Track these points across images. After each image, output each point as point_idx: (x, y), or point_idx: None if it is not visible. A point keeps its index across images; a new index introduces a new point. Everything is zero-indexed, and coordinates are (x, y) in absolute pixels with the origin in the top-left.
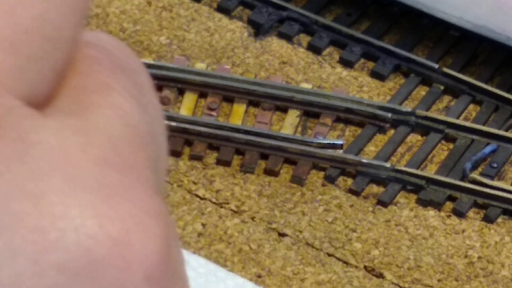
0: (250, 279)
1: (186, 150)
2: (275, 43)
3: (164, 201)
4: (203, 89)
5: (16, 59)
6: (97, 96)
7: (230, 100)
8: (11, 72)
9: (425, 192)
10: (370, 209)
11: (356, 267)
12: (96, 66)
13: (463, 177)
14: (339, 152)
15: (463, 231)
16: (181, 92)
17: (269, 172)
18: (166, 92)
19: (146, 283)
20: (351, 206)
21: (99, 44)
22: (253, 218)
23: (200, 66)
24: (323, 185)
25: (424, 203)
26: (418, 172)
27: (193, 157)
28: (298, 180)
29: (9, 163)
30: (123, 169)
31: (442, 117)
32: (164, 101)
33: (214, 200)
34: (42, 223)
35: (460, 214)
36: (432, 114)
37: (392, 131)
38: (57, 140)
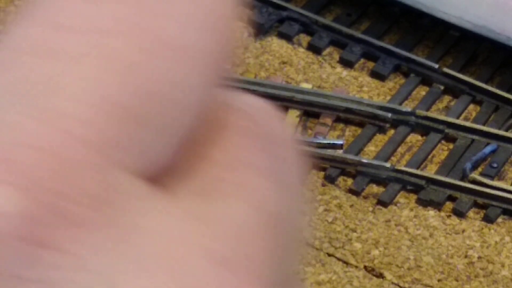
0: None
1: None
2: (275, 43)
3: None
4: None
5: (129, 128)
6: (232, 175)
7: None
8: (122, 143)
9: (425, 192)
10: (370, 209)
11: (356, 267)
12: (236, 138)
13: (463, 177)
14: (339, 152)
15: (463, 231)
16: None
17: None
18: None
19: None
20: (351, 206)
21: (244, 109)
22: None
23: None
24: (323, 185)
25: (424, 203)
26: (418, 172)
27: None
28: None
29: (100, 252)
30: (234, 267)
31: (442, 117)
32: None
33: None
34: None
35: (460, 214)
36: (432, 114)
37: (392, 131)
38: (169, 227)
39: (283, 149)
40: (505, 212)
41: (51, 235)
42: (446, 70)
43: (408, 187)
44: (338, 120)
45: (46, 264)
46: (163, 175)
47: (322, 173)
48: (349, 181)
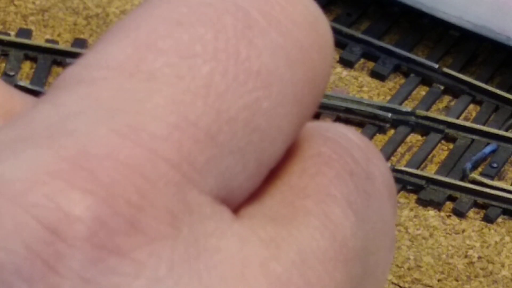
0: None
1: None
2: None
3: None
4: None
5: (210, 151)
6: (311, 202)
7: None
8: (202, 165)
9: (425, 192)
10: None
11: None
12: (323, 167)
13: (463, 177)
14: None
15: (463, 231)
16: None
17: None
18: None
19: None
20: None
21: (339, 141)
22: None
23: None
24: None
25: (424, 203)
26: (418, 172)
27: None
28: None
29: (174, 268)
30: None
31: (442, 117)
32: None
33: None
34: None
35: (460, 214)
36: (432, 114)
37: (392, 131)
38: (239, 249)
39: (374, 187)
40: (505, 212)
41: (125, 244)
42: (446, 70)
43: (408, 187)
44: (338, 120)
45: (118, 271)
46: (245, 200)
47: None
48: None
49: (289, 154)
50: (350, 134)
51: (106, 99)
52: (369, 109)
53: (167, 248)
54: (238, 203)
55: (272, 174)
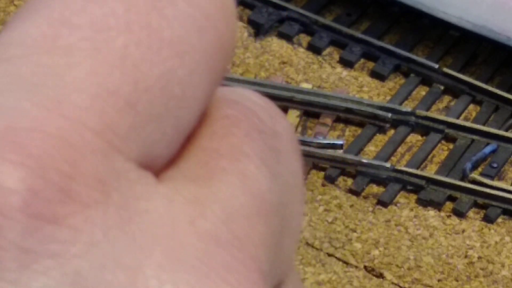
0: None
1: None
2: (275, 43)
3: (293, 276)
4: None
5: (131, 119)
6: (225, 161)
7: None
8: (125, 133)
9: (425, 192)
10: (370, 209)
11: (356, 267)
12: (233, 128)
13: (463, 177)
14: (339, 152)
15: (463, 231)
16: None
17: None
18: None
19: None
20: (351, 206)
21: (243, 103)
22: None
23: None
24: (323, 185)
25: (424, 203)
26: (418, 172)
27: None
28: None
29: (109, 231)
30: (230, 247)
31: (442, 117)
32: None
33: None
34: None
35: (460, 214)
36: (432, 114)
37: (392, 131)
38: (166, 209)
39: (281, 143)
40: (505, 212)
41: (60, 212)
42: (446, 70)
43: (408, 187)
44: (338, 120)
45: (55, 239)
46: (164, 166)
47: (322, 173)
48: (349, 181)
49: (204, 119)
50: (252, 96)
51: (27, 75)
52: (369, 109)
53: (100, 213)
54: (159, 169)
55: (191, 140)
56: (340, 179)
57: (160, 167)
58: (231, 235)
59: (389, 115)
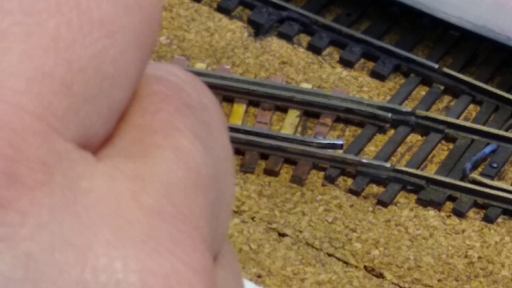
0: (250, 279)
1: None
2: (275, 43)
3: (227, 246)
4: None
5: (67, 100)
6: (159, 137)
7: (230, 100)
8: (63, 114)
9: (425, 192)
10: (370, 209)
11: (356, 267)
12: (162, 104)
13: (463, 177)
14: (339, 152)
15: (463, 231)
16: None
17: (269, 172)
18: None
19: None
20: (351, 206)
21: (169, 78)
22: (253, 218)
23: (200, 66)
24: (323, 185)
25: (424, 203)
26: (418, 172)
27: None
28: (298, 180)
29: (56, 212)
30: (174, 220)
31: (442, 117)
32: None
33: None
34: (85, 276)
35: (460, 214)
36: (432, 114)
37: (392, 131)
38: (109, 187)
39: (210, 117)
40: (505, 212)
41: (6, 196)
42: (446, 70)
43: (408, 187)
44: (338, 120)
45: (3, 223)
46: (101, 145)
47: (322, 173)
48: (349, 181)
49: (134, 97)
50: (177, 71)
51: None
52: (369, 109)
53: (45, 195)
54: (96, 148)
55: (124, 118)
56: (340, 179)
57: (97, 146)
58: (174, 208)
59: (389, 115)
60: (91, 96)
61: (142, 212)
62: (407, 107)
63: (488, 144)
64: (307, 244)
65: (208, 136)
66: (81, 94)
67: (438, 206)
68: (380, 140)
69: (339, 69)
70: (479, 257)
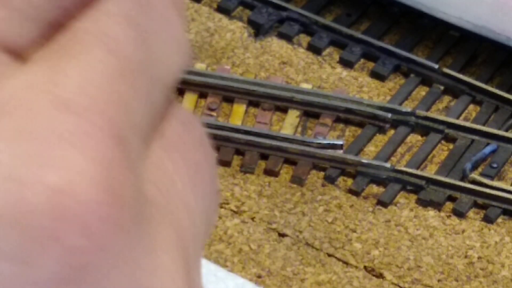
0: (250, 279)
1: None
2: (275, 43)
3: (179, 128)
4: (203, 89)
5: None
6: (88, 23)
7: (230, 101)
8: None
9: (425, 192)
10: (370, 209)
11: (356, 267)
12: None
13: (463, 177)
14: (339, 152)
15: (463, 231)
16: (181, 93)
17: (269, 172)
18: None
19: (81, 234)
20: (351, 206)
21: None
22: (253, 218)
23: (200, 66)
24: (323, 185)
25: (424, 203)
26: (418, 172)
27: None
28: (298, 180)
29: None
30: (86, 112)
31: (442, 117)
32: None
33: None
34: None
35: (460, 214)
36: (432, 114)
37: (392, 131)
38: (24, 81)
39: None
40: (505, 212)
41: None
42: (446, 70)
43: (408, 187)
44: (338, 120)
45: None
46: (33, 50)
47: (322, 173)
48: (349, 181)
49: None
50: None
51: None
52: (369, 109)
53: None
54: (28, 51)
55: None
56: (340, 179)
57: (25, 50)
58: (89, 99)
59: (389, 115)
60: (29, 9)
61: (50, 105)
62: (407, 107)
63: (488, 144)
64: (307, 244)
65: (147, 18)
66: (20, 10)
67: (438, 206)
68: (380, 140)
69: (339, 69)
70: (479, 257)
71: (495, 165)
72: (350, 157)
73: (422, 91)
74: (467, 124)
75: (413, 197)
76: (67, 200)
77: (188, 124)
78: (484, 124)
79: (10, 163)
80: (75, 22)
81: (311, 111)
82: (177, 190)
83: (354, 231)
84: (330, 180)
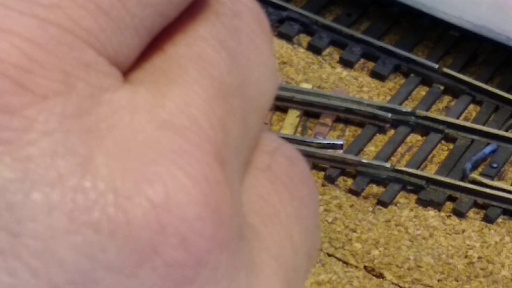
0: None
1: None
2: (275, 43)
3: (280, 157)
4: None
5: (103, 21)
6: (183, 48)
7: None
8: (97, 32)
9: (425, 192)
10: (370, 209)
11: (356, 267)
12: (187, 13)
13: (463, 177)
14: (339, 152)
15: (463, 231)
16: None
17: None
18: None
19: (182, 249)
20: (351, 206)
21: None
22: None
23: None
24: (323, 185)
25: (424, 203)
26: (418, 172)
27: None
28: None
29: (65, 121)
30: (186, 132)
31: (442, 117)
32: None
33: None
34: (83, 183)
35: (460, 214)
36: (432, 114)
37: (392, 131)
38: (128, 100)
39: (242, 22)
40: (505, 212)
41: (14, 103)
42: (446, 70)
43: (408, 187)
44: (338, 120)
45: (8, 127)
46: (129, 68)
47: (322, 173)
48: (349, 181)
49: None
50: None
51: None
52: (369, 109)
53: (58, 104)
54: (126, 70)
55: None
56: (340, 179)
57: (127, 67)
58: (189, 120)
59: (389, 115)
60: (132, 24)
61: (153, 125)
62: (407, 107)
63: (488, 144)
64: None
65: (237, 43)
66: (121, 20)
67: (438, 206)
68: (380, 140)
69: (339, 69)
70: (479, 257)
71: (495, 165)
72: (350, 157)
73: (422, 91)
74: (467, 124)
75: (413, 197)
76: (167, 214)
77: (294, 159)
78: (484, 124)
79: (111, 176)
80: (169, 46)
81: (311, 111)
82: (280, 220)
83: (354, 231)
84: (330, 180)
